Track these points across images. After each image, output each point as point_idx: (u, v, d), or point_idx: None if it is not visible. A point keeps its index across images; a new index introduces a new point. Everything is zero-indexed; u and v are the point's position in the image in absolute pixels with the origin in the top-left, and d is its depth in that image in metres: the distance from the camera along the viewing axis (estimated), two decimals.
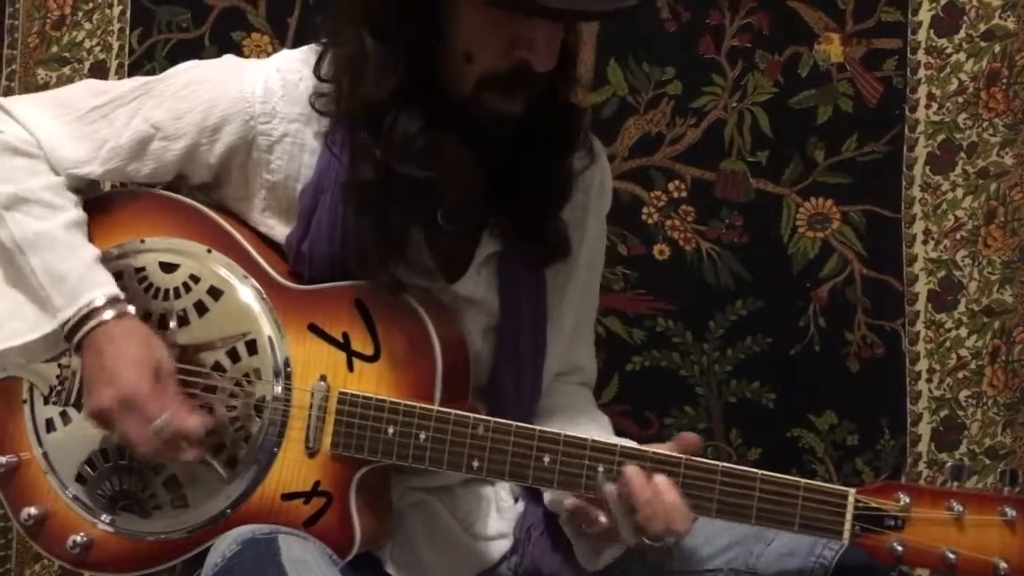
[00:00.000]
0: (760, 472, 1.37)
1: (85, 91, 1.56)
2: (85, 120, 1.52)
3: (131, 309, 1.45)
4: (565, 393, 1.65)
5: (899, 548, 1.34)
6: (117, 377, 1.41)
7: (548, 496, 1.53)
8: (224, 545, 1.40)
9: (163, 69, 1.57)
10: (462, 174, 1.43)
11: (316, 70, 1.47)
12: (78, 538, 1.50)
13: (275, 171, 1.49)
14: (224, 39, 2.16)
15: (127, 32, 2.17)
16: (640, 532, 1.37)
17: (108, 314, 1.43)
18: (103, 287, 1.45)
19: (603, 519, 1.40)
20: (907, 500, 1.35)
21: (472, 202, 1.46)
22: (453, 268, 1.53)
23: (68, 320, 1.44)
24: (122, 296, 1.46)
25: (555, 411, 1.61)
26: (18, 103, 1.56)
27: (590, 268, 1.66)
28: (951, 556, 1.33)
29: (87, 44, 2.17)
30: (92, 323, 1.43)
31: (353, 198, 1.44)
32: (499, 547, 1.60)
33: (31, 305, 1.47)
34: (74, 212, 1.49)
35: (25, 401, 1.54)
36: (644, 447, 1.41)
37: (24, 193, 1.47)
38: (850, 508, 1.36)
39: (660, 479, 1.37)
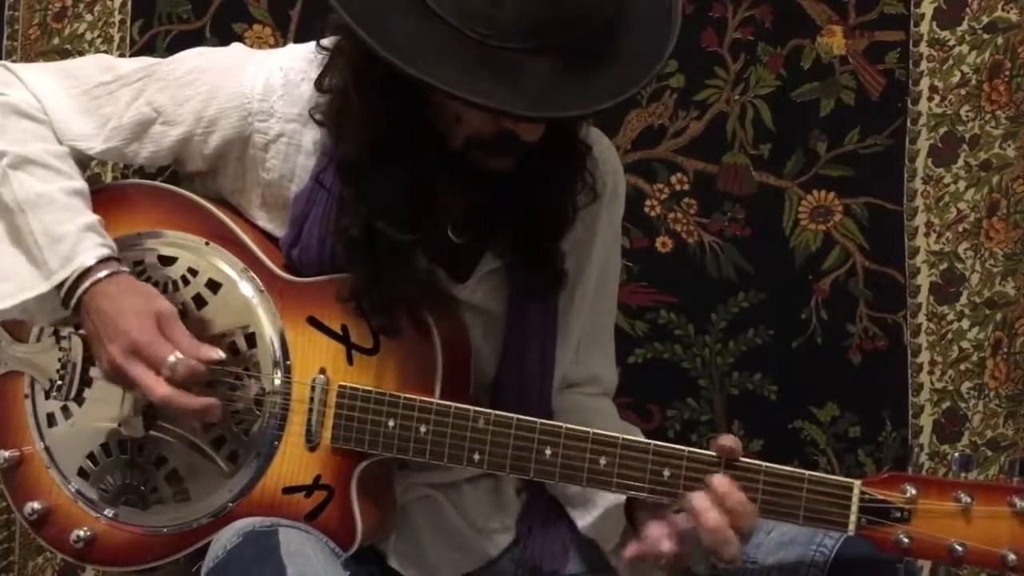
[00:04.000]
0: (764, 464, 1.36)
1: (94, 66, 1.56)
2: (91, 95, 1.52)
3: (124, 268, 1.45)
4: (584, 406, 1.61)
5: (906, 540, 1.32)
6: (119, 329, 1.40)
7: (614, 561, 1.50)
8: (225, 537, 1.40)
9: None
10: (455, 218, 1.42)
11: (318, 83, 1.45)
12: (81, 532, 1.51)
13: (270, 170, 1.49)
14: (225, 31, 2.15)
15: (128, 23, 2.17)
16: (713, 554, 1.33)
17: (102, 272, 1.43)
18: (95, 249, 1.44)
19: (667, 547, 1.36)
20: (913, 492, 1.32)
21: (471, 228, 1.45)
22: (454, 273, 1.52)
23: (63, 282, 1.43)
24: (115, 254, 1.45)
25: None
26: (28, 69, 1.56)
27: (604, 274, 1.62)
28: (959, 548, 1.30)
29: (88, 36, 2.17)
30: (87, 283, 1.42)
31: (342, 247, 1.43)
32: (502, 540, 1.60)
33: (28, 265, 1.46)
34: (78, 181, 1.49)
35: (26, 396, 1.54)
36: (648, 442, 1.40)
37: (31, 155, 1.47)
38: (855, 500, 1.33)
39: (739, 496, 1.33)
